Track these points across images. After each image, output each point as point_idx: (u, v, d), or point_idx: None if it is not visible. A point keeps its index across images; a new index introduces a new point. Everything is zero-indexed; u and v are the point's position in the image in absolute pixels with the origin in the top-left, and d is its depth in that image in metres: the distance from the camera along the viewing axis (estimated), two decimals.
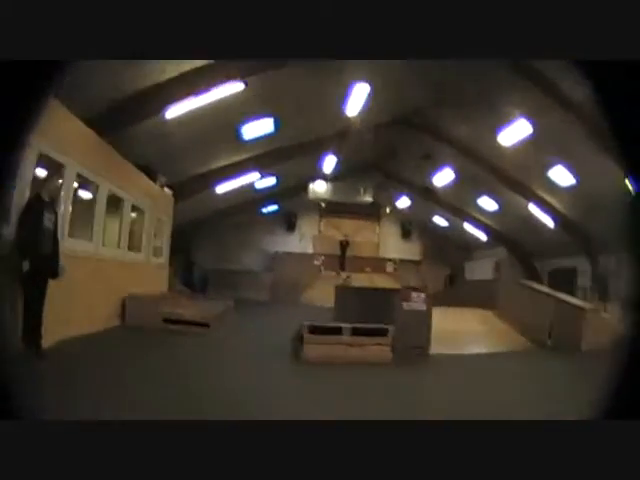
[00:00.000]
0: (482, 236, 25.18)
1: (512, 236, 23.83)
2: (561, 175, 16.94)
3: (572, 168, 16.34)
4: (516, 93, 13.72)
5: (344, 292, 14.17)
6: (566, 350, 11.09)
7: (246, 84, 10.85)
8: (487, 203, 21.87)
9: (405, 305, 9.84)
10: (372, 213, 27.47)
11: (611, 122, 2.13)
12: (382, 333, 9.12)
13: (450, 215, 25.14)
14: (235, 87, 10.86)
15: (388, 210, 26.78)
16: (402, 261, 27.95)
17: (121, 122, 10.66)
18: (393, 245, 28.64)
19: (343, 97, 13.93)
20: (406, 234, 28.75)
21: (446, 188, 21.39)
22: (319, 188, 23.92)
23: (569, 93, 12.76)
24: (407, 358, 9.12)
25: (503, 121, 15.20)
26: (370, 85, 13.21)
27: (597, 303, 15.54)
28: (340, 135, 17.03)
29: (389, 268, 27.71)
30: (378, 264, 27.58)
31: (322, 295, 20.62)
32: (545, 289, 14.98)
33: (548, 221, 19.76)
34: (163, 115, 11.05)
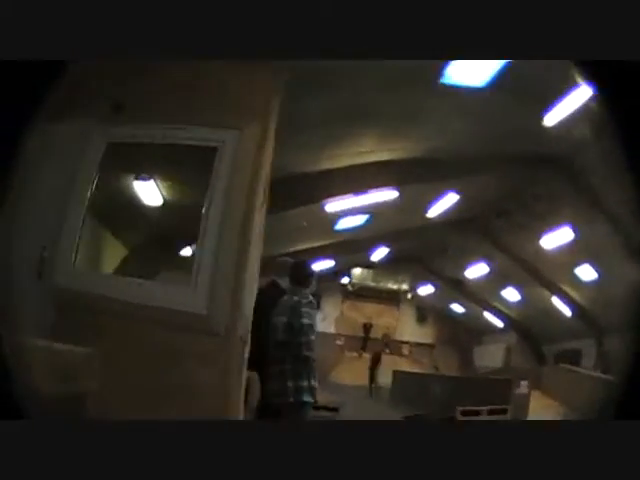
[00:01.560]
0: (499, 323, 27.91)
1: (527, 323, 26.58)
2: (586, 272, 19.88)
3: (598, 267, 19.21)
4: (567, 206, 16.84)
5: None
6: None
7: (400, 194, 13.06)
8: (511, 294, 24.89)
9: (516, 390, 12.83)
10: (392, 297, 29.98)
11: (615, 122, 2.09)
12: (505, 412, 11.97)
13: (470, 303, 27.95)
14: (388, 194, 13.08)
15: (410, 296, 29.30)
16: (417, 344, 30.27)
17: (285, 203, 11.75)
18: (409, 329, 31.06)
19: (431, 201, 16.72)
20: (422, 318, 31.25)
21: (477, 280, 24.35)
22: (360, 273, 26.78)
23: (613, 208, 15.93)
24: None
25: (548, 227, 18.30)
26: (459, 194, 16.05)
27: None
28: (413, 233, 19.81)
29: (405, 350, 29.91)
30: (396, 346, 29.79)
31: (349, 375, 22.51)
32: (584, 370, 17.75)
33: (566, 310, 22.59)
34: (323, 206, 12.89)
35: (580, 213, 16.91)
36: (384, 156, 12.19)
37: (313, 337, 4.95)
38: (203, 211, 4.28)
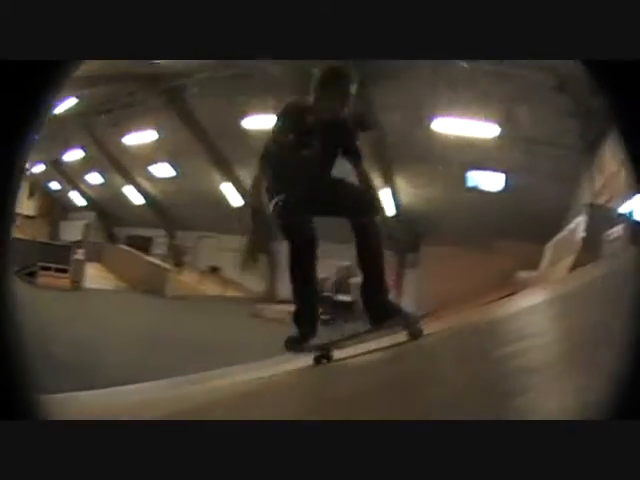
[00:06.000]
0: (83, 202, 32.65)
1: (103, 206, 31.07)
2: (163, 170, 24.02)
3: (176, 167, 23.51)
4: (154, 114, 23.06)
5: None
6: (153, 294, 16.89)
7: None
8: (95, 178, 29.72)
9: (74, 256, 16.36)
10: None
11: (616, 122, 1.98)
12: (65, 271, 15.51)
13: (64, 182, 31.97)
14: None
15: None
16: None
17: None
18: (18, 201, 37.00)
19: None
20: (31, 195, 35.55)
21: (71, 163, 29.41)
22: None
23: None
24: None
25: (136, 128, 23.20)
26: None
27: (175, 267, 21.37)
28: None
29: None
30: None
31: None
32: (138, 252, 22.31)
33: (139, 199, 27.15)
34: None
35: (166, 121, 21.00)
36: None
37: None
38: None
